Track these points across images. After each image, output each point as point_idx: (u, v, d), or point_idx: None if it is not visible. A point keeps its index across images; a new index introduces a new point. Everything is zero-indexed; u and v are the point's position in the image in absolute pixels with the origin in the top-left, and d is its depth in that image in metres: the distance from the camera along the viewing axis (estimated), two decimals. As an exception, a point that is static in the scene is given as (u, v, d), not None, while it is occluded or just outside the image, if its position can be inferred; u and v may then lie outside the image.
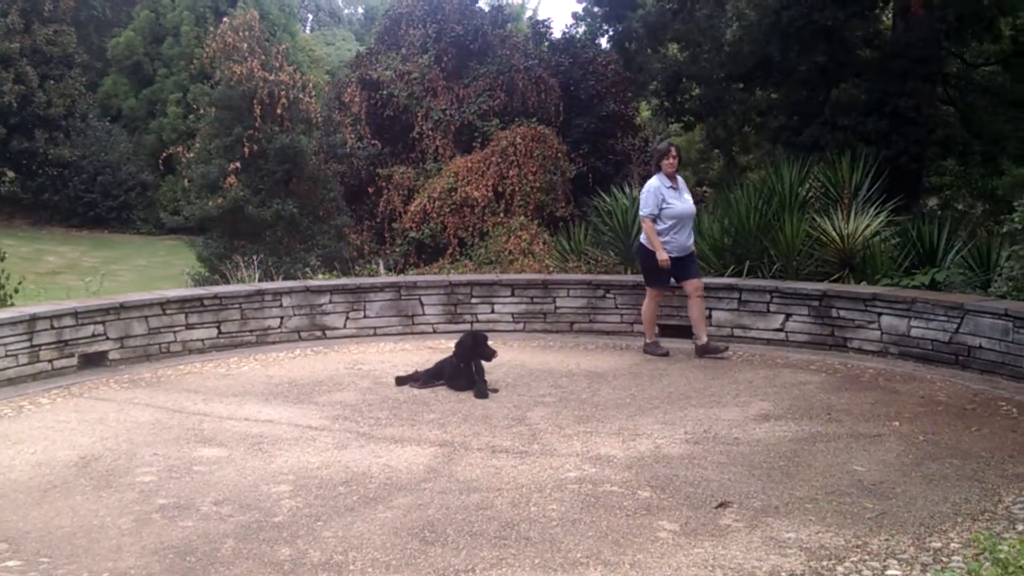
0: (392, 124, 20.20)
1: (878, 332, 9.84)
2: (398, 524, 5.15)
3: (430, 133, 19.56)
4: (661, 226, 9.87)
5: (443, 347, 8.94)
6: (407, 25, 21.33)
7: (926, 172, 21.29)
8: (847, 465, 6.15)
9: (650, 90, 26.03)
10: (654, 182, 9.99)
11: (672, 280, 10.09)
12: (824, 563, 4.58)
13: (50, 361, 9.13)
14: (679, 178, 10.15)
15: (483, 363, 8.52)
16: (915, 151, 18.29)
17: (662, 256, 9.79)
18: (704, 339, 9.91)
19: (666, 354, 9.95)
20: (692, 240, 10.09)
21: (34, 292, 14.58)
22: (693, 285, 9.99)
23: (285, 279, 13.27)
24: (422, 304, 11.53)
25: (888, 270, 11.29)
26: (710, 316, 10.84)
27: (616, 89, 21.61)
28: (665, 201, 9.84)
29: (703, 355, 9.81)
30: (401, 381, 8.68)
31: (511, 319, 11.56)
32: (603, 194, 14.18)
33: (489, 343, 8.63)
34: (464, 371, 8.44)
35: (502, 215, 17.42)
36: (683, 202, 9.96)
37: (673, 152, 10.05)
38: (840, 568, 4.52)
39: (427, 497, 5.59)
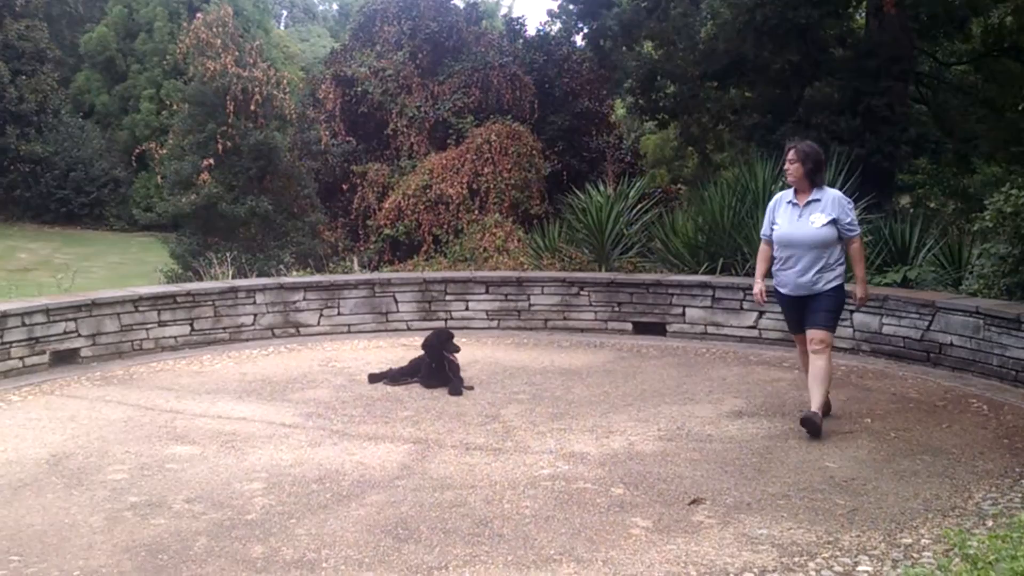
0: (367, 121, 20.18)
1: (850, 329, 9.90)
2: (371, 521, 5.14)
3: (405, 130, 19.55)
4: (775, 252, 7.34)
5: (417, 344, 8.93)
6: (382, 22, 21.31)
7: (898, 170, 21.39)
8: (819, 462, 6.19)
9: (624, 88, 26.03)
10: (778, 194, 7.50)
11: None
12: (796, 559, 4.61)
13: (21, 358, 9.05)
14: (823, 190, 7.13)
15: (457, 361, 8.53)
16: (887, 149, 18.36)
17: (755, 287, 7.55)
18: (813, 406, 6.92)
19: (816, 434, 6.79)
20: (812, 276, 7.02)
21: (5, 289, 14.48)
22: (808, 335, 7.12)
23: (259, 276, 13.20)
24: (396, 301, 11.52)
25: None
26: (683, 313, 10.87)
27: (591, 87, 21.71)
28: (775, 221, 7.31)
29: (802, 424, 6.82)
30: (374, 378, 8.68)
31: (485, 316, 11.56)
32: (578, 191, 14.19)
33: (454, 340, 8.67)
34: (438, 369, 8.44)
35: (477, 212, 17.43)
36: (797, 225, 7.08)
37: (790, 156, 7.14)
38: (811, 564, 4.55)
39: (400, 494, 5.58)
